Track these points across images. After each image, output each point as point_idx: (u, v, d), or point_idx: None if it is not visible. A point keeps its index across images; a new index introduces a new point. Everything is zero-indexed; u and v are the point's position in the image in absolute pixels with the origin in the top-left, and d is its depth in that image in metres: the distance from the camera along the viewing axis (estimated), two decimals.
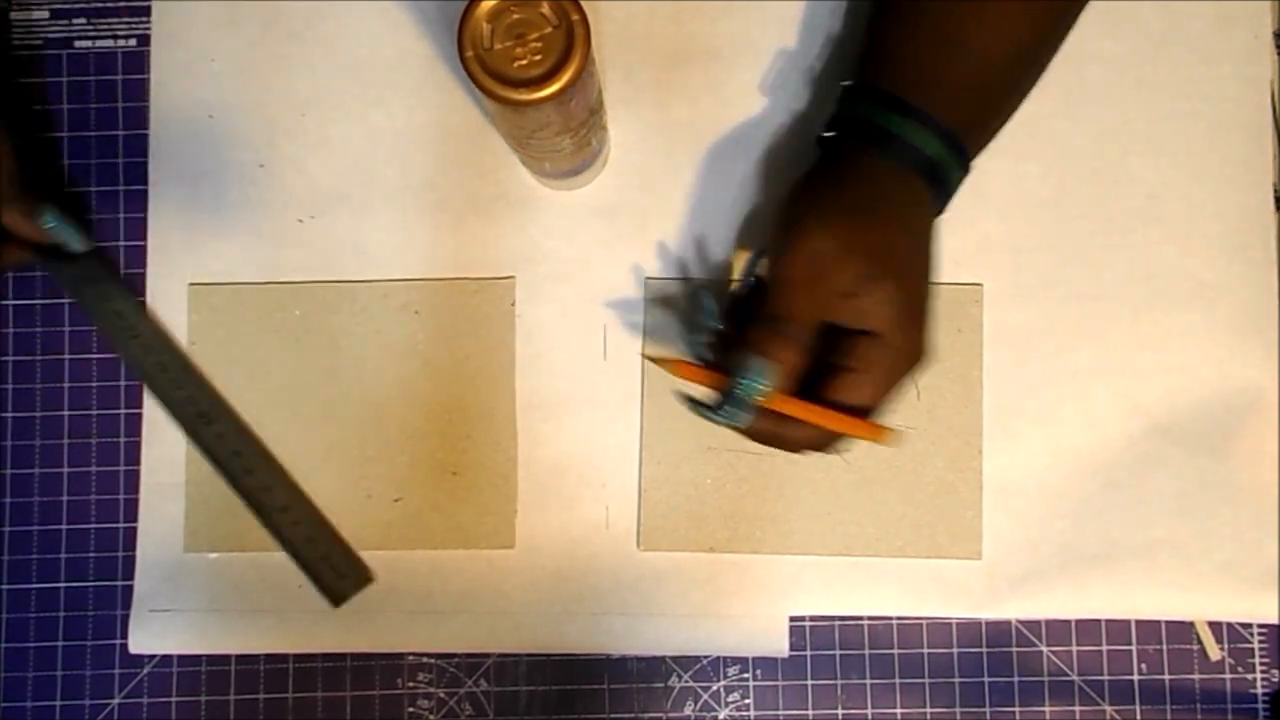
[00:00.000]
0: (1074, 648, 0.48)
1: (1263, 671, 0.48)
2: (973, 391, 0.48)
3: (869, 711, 0.48)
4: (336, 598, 0.47)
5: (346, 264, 0.49)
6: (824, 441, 0.40)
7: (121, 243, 0.49)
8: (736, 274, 0.48)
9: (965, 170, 0.42)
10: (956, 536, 0.48)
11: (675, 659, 0.48)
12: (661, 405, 0.48)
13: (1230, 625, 0.48)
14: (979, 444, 0.48)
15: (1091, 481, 0.48)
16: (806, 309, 0.39)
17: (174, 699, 0.48)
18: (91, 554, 0.48)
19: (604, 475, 0.48)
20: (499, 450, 0.48)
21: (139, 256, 0.49)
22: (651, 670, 0.48)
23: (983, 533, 0.48)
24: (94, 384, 0.49)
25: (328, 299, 0.49)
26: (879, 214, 0.40)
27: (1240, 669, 0.48)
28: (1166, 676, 0.48)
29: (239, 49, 0.49)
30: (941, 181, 0.41)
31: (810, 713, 0.48)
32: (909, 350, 0.40)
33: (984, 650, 0.48)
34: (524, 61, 0.35)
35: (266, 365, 0.48)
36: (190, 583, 0.48)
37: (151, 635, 0.48)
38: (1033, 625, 0.48)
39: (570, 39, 0.35)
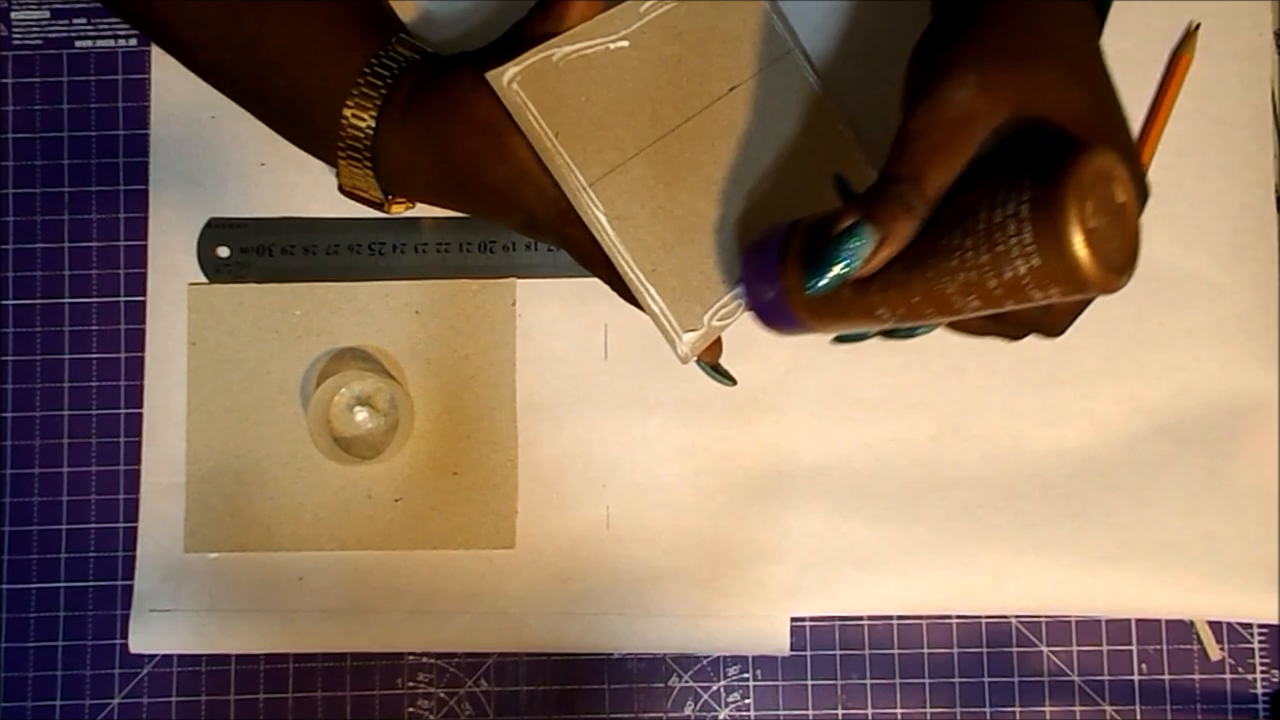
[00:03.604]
0: (1074, 648, 0.48)
1: (1263, 671, 0.48)
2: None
3: (869, 711, 0.48)
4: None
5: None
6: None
7: (122, 243, 0.49)
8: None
9: None
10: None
11: (675, 659, 0.48)
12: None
13: (1230, 625, 0.48)
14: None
15: (1096, 482, 0.48)
16: (943, 165, 0.32)
17: (174, 699, 0.48)
18: (91, 554, 0.49)
19: (604, 475, 0.48)
20: (499, 450, 0.48)
21: (139, 256, 0.49)
22: (651, 670, 0.48)
23: (985, 533, 0.48)
24: (94, 384, 0.49)
25: (328, 299, 0.49)
26: (1046, 42, 0.33)
27: (1240, 669, 0.48)
28: (1166, 676, 0.48)
29: None
30: (1102, 4, 0.36)
31: (810, 713, 0.48)
32: (1133, 167, 0.32)
33: (984, 650, 0.48)
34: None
35: (266, 365, 0.48)
36: (190, 583, 0.48)
37: (151, 635, 0.48)
38: (1033, 625, 0.48)
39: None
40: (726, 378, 0.42)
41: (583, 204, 0.36)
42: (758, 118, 0.42)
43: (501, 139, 0.36)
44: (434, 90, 0.38)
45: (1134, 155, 0.34)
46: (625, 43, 0.39)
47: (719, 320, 0.39)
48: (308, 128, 0.40)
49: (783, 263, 0.35)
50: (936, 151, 0.32)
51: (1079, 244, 0.29)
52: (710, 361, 0.41)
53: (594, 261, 0.38)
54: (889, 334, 0.37)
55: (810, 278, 0.33)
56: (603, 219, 0.37)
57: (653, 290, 0.37)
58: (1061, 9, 0.34)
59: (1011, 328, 0.36)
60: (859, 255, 0.32)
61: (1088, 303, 0.35)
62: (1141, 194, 0.33)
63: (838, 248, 0.32)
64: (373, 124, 0.38)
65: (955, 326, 0.36)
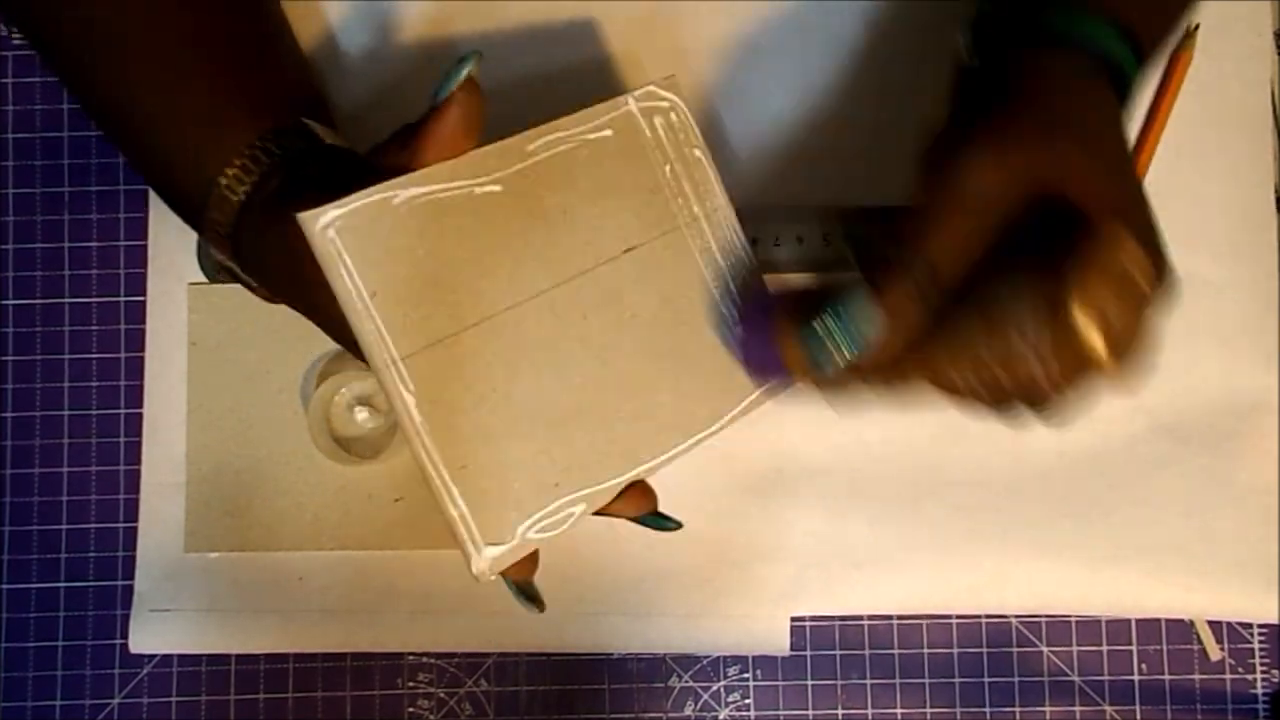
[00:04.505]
0: (1074, 648, 0.48)
1: (1263, 671, 0.48)
2: None
3: (869, 711, 0.48)
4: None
5: None
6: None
7: (121, 243, 0.49)
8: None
9: (1142, 72, 0.36)
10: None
11: (675, 659, 0.48)
12: None
13: (1230, 625, 0.48)
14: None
15: (1097, 482, 0.48)
16: (957, 245, 0.30)
17: (174, 699, 0.48)
18: (91, 554, 0.48)
19: None
20: None
21: (139, 256, 0.49)
22: (651, 670, 0.48)
23: (986, 533, 0.48)
24: (94, 384, 0.49)
25: None
26: (1064, 121, 0.32)
27: (1240, 669, 0.48)
28: (1166, 676, 0.48)
29: None
30: (1123, 86, 0.35)
31: (810, 713, 0.48)
32: (1154, 252, 0.30)
33: (984, 650, 0.48)
34: None
35: (266, 365, 0.48)
36: (190, 583, 0.48)
37: (151, 635, 0.48)
38: (1033, 625, 0.48)
39: None
40: (534, 603, 0.36)
41: (388, 380, 0.30)
42: (652, 288, 0.36)
43: None
44: (298, 198, 0.33)
45: (1154, 237, 0.33)
46: (497, 187, 0.33)
47: (537, 532, 0.33)
48: (177, 196, 0.37)
49: (782, 332, 0.34)
50: (950, 232, 0.31)
51: (1089, 335, 0.28)
52: (518, 580, 0.35)
53: None
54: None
55: (811, 358, 0.32)
56: (409, 401, 0.30)
57: (455, 491, 0.31)
58: (1082, 89, 0.33)
59: (1012, 412, 0.34)
60: (863, 339, 0.31)
61: (1093, 393, 0.34)
62: (1162, 276, 0.32)
63: (843, 328, 0.31)
64: (239, 204, 0.35)
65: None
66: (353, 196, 0.30)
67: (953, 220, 0.31)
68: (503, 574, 0.34)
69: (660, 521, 0.38)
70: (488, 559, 0.32)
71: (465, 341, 0.32)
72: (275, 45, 0.40)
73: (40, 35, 0.37)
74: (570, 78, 0.48)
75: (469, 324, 0.32)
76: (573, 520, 0.34)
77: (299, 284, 0.33)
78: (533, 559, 0.35)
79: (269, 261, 0.35)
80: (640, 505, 0.36)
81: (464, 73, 0.32)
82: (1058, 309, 0.28)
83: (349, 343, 0.33)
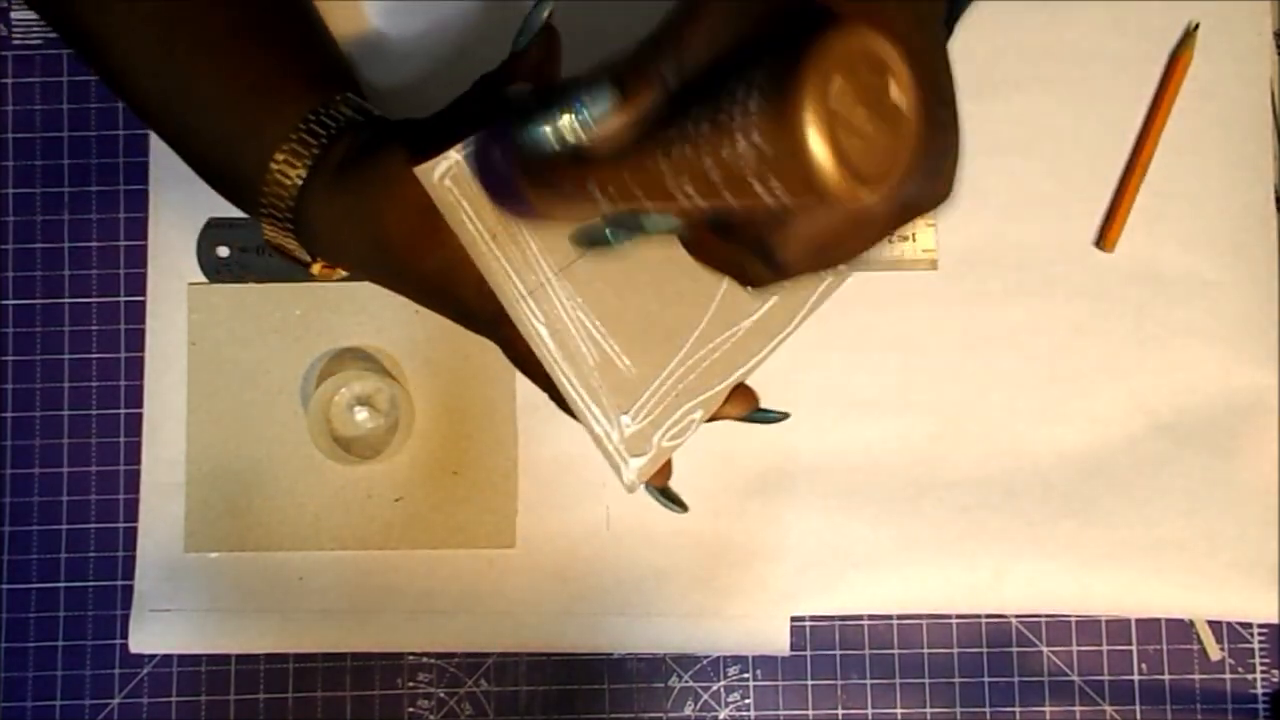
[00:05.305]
0: (1074, 648, 0.48)
1: (1263, 671, 0.48)
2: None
3: (869, 711, 0.48)
4: None
5: None
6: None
7: (122, 243, 0.49)
8: None
9: None
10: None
11: (675, 659, 0.48)
12: None
13: (1230, 625, 0.48)
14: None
15: (1096, 481, 0.48)
16: (707, 31, 0.26)
17: (174, 699, 0.48)
18: (91, 554, 0.48)
19: (604, 475, 0.48)
20: (499, 450, 0.48)
21: (139, 256, 0.49)
22: (651, 670, 0.48)
23: (985, 532, 0.48)
24: (94, 384, 0.49)
25: (328, 298, 0.49)
26: None
27: (1240, 669, 0.48)
28: (1166, 676, 0.48)
29: None
30: None
31: (810, 713, 0.48)
32: (931, 155, 0.27)
33: (984, 650, 0.48)
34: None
35: (266, 365, 0.48)
36: (190, 583, 0.48)
37: (151, 635, 0.48)
38: (1033, 625, 0.48)
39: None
40: (678, 504, 0.39)
41: (520, 314, 0.33)
42: None
43: (435, 226, 0.32)
44: (368, 161, 0.34)
45: (939, 88, 0.28)
46: None
47: (670, 440, 0.35)
48: (232, 178, 0.37)
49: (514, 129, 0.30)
50: (707, 15, 0.27)
51: (810, 123, 0.23)
52: (659, 485, 0.38)
53: (532, 368, 0.35)
54: (619, 225, 0.31)
55: (529, 124, 0.27)
56: (543, 332, 0.33)
57: (596, 411, 0.34)
58: None
59: (741, 257, 0.30)
60: (590, 113, 0.27)
61: (832, 249, 0.29)
62: (932, 117, 0.27)
63: (566, 97, 0.27)
64: (299, 181, 0.35)
65: (690, 247, 0.32)
66: (456, 146, 0.32)
67: (711, 9, 0.27)
68: (645, 483, 0.36)
69: (767, 415, 0.39)
70: (635, 469, 0.35)
71: (577, 272, 0.34)
72: (310, 25, 0.40)
73: (85, 37, 0.38)
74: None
75: (576, 255, 0.34)
76: (694, 426, 0.36)
77: (379, 249, 0.34)
78: (668, 465, 0.37)
79: (343, 232, 0.36)
80: (745, 405, 0.38)
81: (544, 15, 0.33)
82: (779, 102, 0.23)
83: (434, 302, 0.35)
